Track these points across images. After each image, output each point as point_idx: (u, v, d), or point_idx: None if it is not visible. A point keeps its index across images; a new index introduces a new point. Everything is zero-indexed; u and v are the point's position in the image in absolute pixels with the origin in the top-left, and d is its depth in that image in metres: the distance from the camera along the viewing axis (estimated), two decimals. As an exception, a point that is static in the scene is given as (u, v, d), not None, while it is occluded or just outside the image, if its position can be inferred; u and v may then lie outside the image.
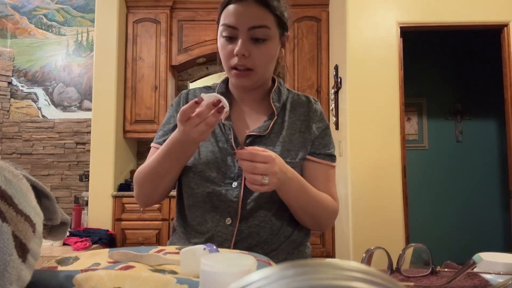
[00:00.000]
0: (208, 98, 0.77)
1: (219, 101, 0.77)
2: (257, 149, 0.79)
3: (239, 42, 0.88)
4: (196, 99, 0.77)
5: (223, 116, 0.79)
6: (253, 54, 0.89)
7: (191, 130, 0.78)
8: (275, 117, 0.97)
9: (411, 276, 0.65)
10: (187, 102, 1.01)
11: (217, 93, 1.00)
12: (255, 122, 0.99)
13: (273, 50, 0.93)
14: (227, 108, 0.78)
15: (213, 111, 0.77)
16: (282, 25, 0.93)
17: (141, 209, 1.02)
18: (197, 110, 0.77)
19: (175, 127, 0.99)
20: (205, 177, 0.93)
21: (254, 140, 0.95)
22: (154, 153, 0.97)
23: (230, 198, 0.92)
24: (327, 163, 0.99)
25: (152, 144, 1.02)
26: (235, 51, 0.88)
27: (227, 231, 0.91)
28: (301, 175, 0.96)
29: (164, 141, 0.97)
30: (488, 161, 4.44)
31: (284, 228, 0.95)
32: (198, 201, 0.94)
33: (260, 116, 1.00)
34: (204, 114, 0.77)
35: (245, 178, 0.84)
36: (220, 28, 0.92)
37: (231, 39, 0.90)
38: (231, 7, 0.89)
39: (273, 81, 1.04)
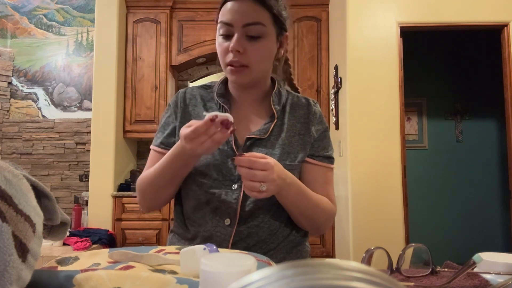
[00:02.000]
0: (221, 117, 0.76)
1: (227, 120, 0.76)
2: (256, 156, 0.79)
3: (234, 38, 0.89)
4: (211, 117, 0.75)
5: (229, 132, 0.77)
6: (248, 51, 0.89)
7: (198, 147, 0.77)
8: (275, 120, 0.97)
9: (411, 276, 0.65)
10: (184, 102, 1.01)
11: (216, 94, 1.00)
12: (255, 124, 0.98)
13: (268, 48, 0.92)
14: (234, 127, 0.77)
15: (219, 128, 0.76)
16: (279, 24, 0.93)
17: (142, 211, 1.08)
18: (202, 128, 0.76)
19: (174, 128, 0.99)
20: (205, 179, 0.93)
21: (254, 142, 0.95)
22: (155, 158, 0.98)
23: (230, 200, 0.92)
24: (326, 165, 1.00)
25: (152, 147, 1.02)
26: (230, 47, 0.89)
27: (226, 231, 0.91)
28: (300, 177, 0.97)
29: (163, 144, 0.98)
30: (488, 161, 4.44)
31: (282, 228, 0.95)
32: (198, 202, 0.94)
33: (260, 117, 0.99)
34: (212, 131, 0.76)
35: None
36: (218, 25, 0.92)
37: (227, 36, 0.91)
38: (228, 4, 0.90)
39: (273, 82, 1.04)
